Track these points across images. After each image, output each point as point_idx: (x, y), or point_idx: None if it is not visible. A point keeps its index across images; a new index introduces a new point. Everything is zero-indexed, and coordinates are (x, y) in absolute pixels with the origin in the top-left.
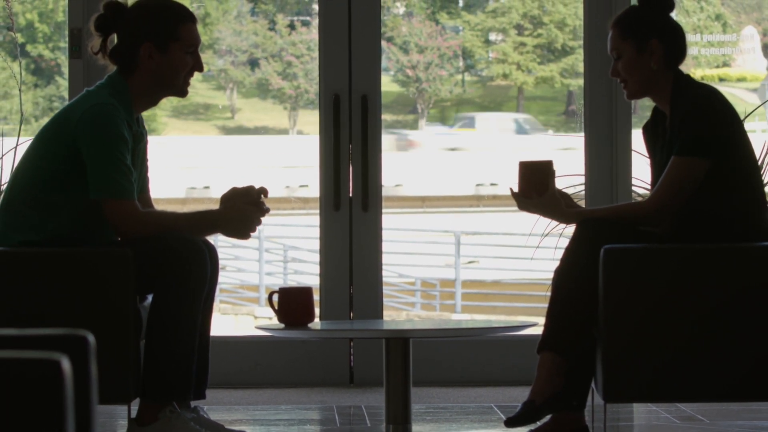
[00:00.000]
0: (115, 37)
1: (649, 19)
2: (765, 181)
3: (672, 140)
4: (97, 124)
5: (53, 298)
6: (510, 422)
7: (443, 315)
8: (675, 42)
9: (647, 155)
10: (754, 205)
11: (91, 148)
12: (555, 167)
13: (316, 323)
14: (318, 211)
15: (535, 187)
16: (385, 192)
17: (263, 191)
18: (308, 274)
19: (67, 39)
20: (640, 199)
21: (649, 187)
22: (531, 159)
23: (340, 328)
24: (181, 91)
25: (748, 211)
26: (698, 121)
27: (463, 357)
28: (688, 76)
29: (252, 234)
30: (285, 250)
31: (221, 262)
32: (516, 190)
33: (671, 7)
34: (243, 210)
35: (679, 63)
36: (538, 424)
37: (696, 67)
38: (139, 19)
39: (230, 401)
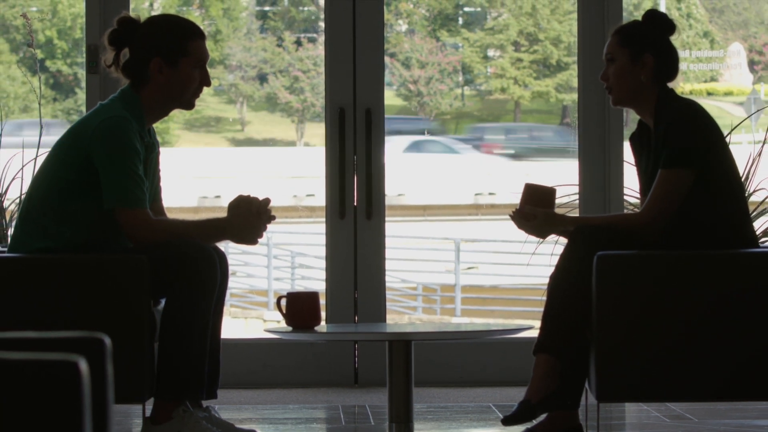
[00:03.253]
0: (127, 52)
1: (648, 35)
2: (750, 191)
3: (657, 151)
4: (110, 136)
5: (71, 303)
6: (507, 421)
7: (444, 318)
8: (668, 62)
9: (634, 165)
10: (739, 214)
11: (105, 159)
12: (556, 197)
13: (323, 326)
14: (324, 219)
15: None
16: (388, 201)
17: (266, 201)
18: (315, 280)
19: (84, 55)
20: (631, 207)
21: (639, 195)
22: (537, 183)
23: (345, 331)
24: (189, 105)
25: (733, 220)
26: (681, 134)
27: (462, 358)
28: (671, 91)
29: (259, 240)
30: (292, 256)
31: (231, 268)
32: (513, 215)
33: (672, 29)
34: (249, 218)
35: (668, 81)
36: (534, 422)
37: (685, 82)
38: (149, 34)
39: (240, 401)
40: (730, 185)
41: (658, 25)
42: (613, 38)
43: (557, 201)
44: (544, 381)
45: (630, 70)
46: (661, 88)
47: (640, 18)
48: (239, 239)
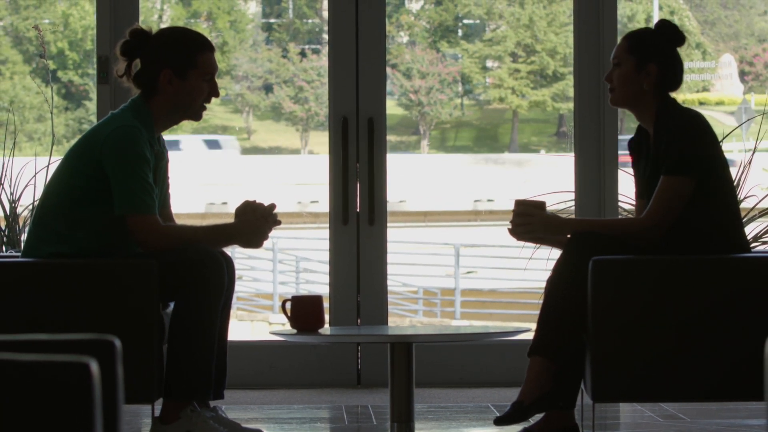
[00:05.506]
0: (139, 62)
1: (657, 45)
2: (741, 197)
3: (656, 158)
4: (121, 145)
5: (82, 306)
6: (499, 421)
7: (444, 321)
8: (672, 73)
9: (632, 168)
10: (732, 220)
11: (116, 167)
12: (548, 208)
13: (326, 329)
14: (328, 225)
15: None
16: (390, 207)
17: (272, 206)
18: (319, 284)
19: (95, 66)
20: (626, 213)
21: (634, 201)
22: (526, 198)
23: (348, 334)
24: (197, 116)
25: (726, 226)
26: (684, 142)
27: (462, 360)
28: (673, 100)
29: (264, 243)
30: (297, 261)
31: (238, 273)
32: (511, 227)
33: (681, 41)
34: (255, 223)
35: (670, 91)
36: (531, 422)
37: (677, 92)
38: (160, 46)
39: (246, 401)
40: (724, 193)
41: (669, 35)
42: (623, 42)
43: (553, 208)
44: (537, 382)
45: (633, 77)
46: (662, 96)
47: (652, 26)
48: (246, 243)
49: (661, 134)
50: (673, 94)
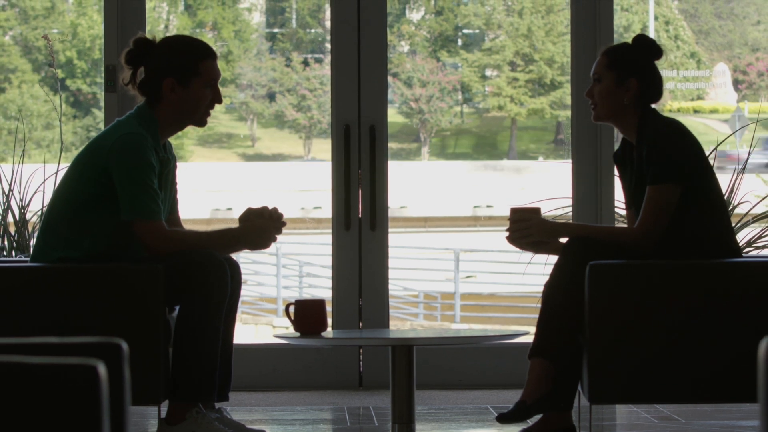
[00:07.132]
0: (143, 71)
1: (635, 60)
2: (735, 203)
3: (640, 168)
4: (127, 152)
5: (90, 309)
6: (502, 418)
7: (444, 324)
8: (652, 86)
9: (619, 180)
10: (723, 226)
11: (122, 173)
12: (546, 214)
13: (329, 332)
14: (330, 231)
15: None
16: (391, 213)
17: (275, 209)
18: (321, 288)
19: (103, 74)
20: (622, 220)
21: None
22: (521, 206)
23: (350, 337)
24: (201, 122)
25: (717, 232)
26: (666, 149)
27: (461, 362)
28: (654, 110)
29: (272, 244)
30: (300, 265)
31: (243, 277)
32: (507, 234)
33: (659, 55)
34: (261, 225)
35: (650, 104)
36: (529, 423)
37: (673, 100)
38: (163, 55)
39: (251, 403)
40: (714, 199)
41: (646, 50)
42: (602, 58)
43: (551, 214)
44: (538, 383)
45: (614, 92)
46: (643, 108)
47: (629, 40)
48: (253, 245)
49: (644, 144)
50: (669, 103)
